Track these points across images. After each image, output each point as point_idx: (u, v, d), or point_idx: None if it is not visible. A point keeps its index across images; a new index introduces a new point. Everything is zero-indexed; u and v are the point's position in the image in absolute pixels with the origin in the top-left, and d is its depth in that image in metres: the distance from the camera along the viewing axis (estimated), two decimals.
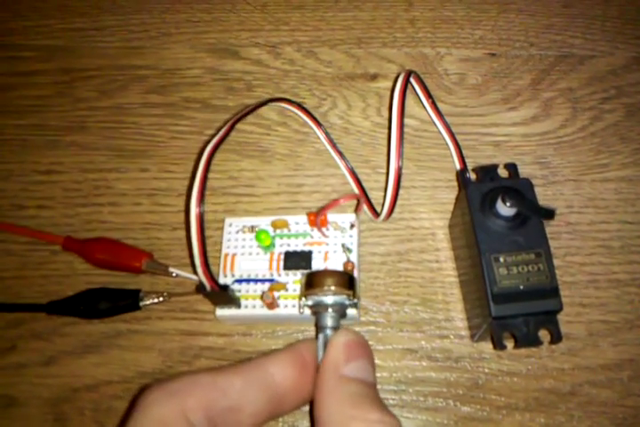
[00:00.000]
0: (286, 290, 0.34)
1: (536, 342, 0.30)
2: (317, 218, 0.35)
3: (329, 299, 0.30)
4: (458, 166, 0.36)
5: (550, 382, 0.34)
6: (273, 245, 0.35)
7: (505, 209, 0.31)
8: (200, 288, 0.31)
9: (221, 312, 0.34)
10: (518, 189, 0.32)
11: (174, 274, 0.36)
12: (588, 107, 0.43)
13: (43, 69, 0.46)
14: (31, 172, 0.41)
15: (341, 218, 0.36)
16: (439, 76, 0.44)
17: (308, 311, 0.31)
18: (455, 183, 0.40)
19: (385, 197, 0.34)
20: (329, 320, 0.29)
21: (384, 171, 0.40)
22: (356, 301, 0.30)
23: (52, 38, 0.47)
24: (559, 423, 0.33)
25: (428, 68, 0.45)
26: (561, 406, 0.33)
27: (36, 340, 0.36)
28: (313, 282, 0.30)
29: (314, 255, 0.35)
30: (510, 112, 0.43)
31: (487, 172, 0.34)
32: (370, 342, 0.35)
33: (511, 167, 0.34)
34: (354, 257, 0.35)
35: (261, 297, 0.33)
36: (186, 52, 0.46)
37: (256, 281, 0.35)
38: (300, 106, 0.41)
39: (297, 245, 0.35)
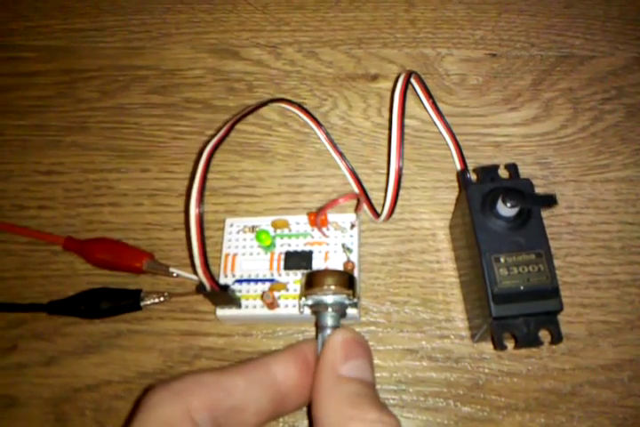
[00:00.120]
0: (287, 290, 0.34)
1: (536, 342, 0.30)
2: (317, 218, 0.35)
3: (329, 298, 0.30)
4: (458, 167, 0.36)
5: (551, 382, 0.34)
6: (273, 245, 0.35)
7: (505, 210, 0.31)
8: (200, 288, 0.31)
9: (222, 312, 0.34)
10: (519, 189, 0.32)
11: (175, 274, 0.36)
12: (588, 107, 0.43)
13: (43, 70, 0.46)
14: (32, 172, 0.41)
15: (342, 218, 0.36)
16: (440, 76, 0.44)
17: (308, 311, 0.31)
18: (456, 184, 0.40)
19: (385, 197, 0.34)
20: (329, 320, 0.29)
21: (385, 171, 0.40)
22: (355, 300, 0.30)
23: (53, 39, 0.47)
24: (559, 424, 0.33)
25: (429, 68, 0.45)
26: (561, 406, 0.33)
27: (37, 340, 0.36)
28: (313, 281, 0.30)
29: (314, 255, 0.35)
30: (511, 113, 0.43)
31: (488, 172, 0.34)
32: (370, 343, 0.35)
33: (512, 168, 0.34)
34: (354, 257, 0.35)
35: (262, 297, 0.33)
36: (187, 52, 0.46)
37: (256, 281, 0.35)
38: (300, 106, 0.41)
39: (297, 245, 0.36)
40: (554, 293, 0.30)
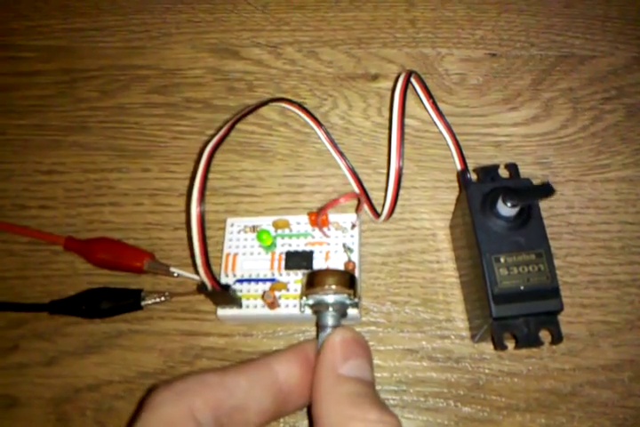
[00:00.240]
0: (287, 290, 0.34)
1: (537, 342, 0.30)
2: (318, 218, 0.35)
3: (330, 298, 0.30)
4: (459, 167, 0.36)
5: (551, 382, 0.34)
6: (274, 245, 0.35)
7: (506, 209, 0.31)
8: (202, 288, 0.31)
9: (223, 312, 0.34)
10: (519, 189, 0.32)
11: (175, 274, 0.36)
12: (588, 107, 0.43)
13: (44, 70, 0.46)
14: (33, 172, 0.41)
15: (342, 218, 0.36)
16: (440, 76, 0.44)
17: (308, 311, 0.31)
18: (456, 184, 0.40)
19: (385, 197, 0.34)
20: (329, 319, 0.29)
21: (385, 171, 0.40)
22: (356, 300, 0.30)
23: (54, 38, 0.47)
24: (560, 424, 0.33)
25: (429, 68, 0.45)
26: (562, 406, 0.33)
27: (38, 340, 0.36)
28: (314, 281, 0.30)
29: (315, 255, 0.35)
30: (511, 112, 0.43)
31: (488, 172, 0.34)
32: (371, 343, 0.35)
33: (512, 168, 0.34)
34: (355, 257, 0.35)
35: (262, 296, 0.33)
36: (187, 52, 0.46)
37: (257, 281, 0.35)
38: (300, 106, 0.41)
39: (298, 246, 0.36)
40: (554, 293, 0.30)
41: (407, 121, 0.42)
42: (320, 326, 0.29)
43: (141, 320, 0.36)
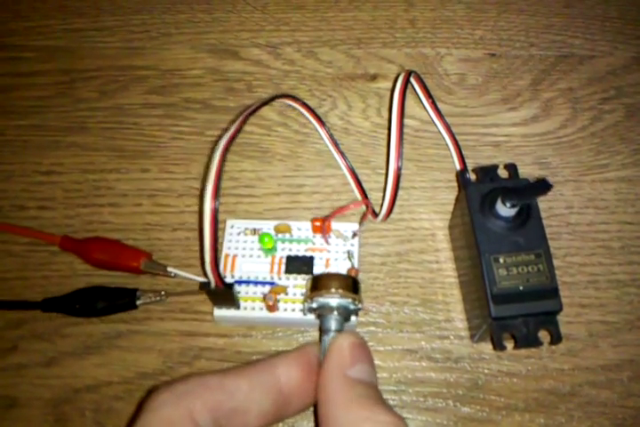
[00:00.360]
0: (286, 294, 0.34)
1: (536, 342, 0.30)
2: (325, 223, 0.35)
3: (334, 301, 0.30)
4: (458, 167, 0.36)
5: (550, 382, 0.34)
6: (275, 248, 0.35)
7: (505, 210, 0.31)
8: (204, 286, 0.31)
9: (219, 313, 0.34)
10: (518, 189, 0.32)
11: (173, 274, 0.36)
12: (587, 107, 0.43)
13: (43, 70, 0.46)
14: (32, 172, 0.41)
15: (344, 226, 0.36)
16: (439, 76, 0.44)
17: (309, 315, 0.31)
18: (455, 184, 0.40)
19: (384, 197, 0.34)
20: (333, 323, 0.29)
21: (384, 171, 0.40)
22: (360, 306, 0.30)
23: (53, 39, 0.47)
24: (559, 424, 0.33)
25: (428, 68, 0.45)
26: (561, 406, 0.33)
27: (37, 340, 0.36)
28: (320, 284, 0.30)
29: (315, 262, 0.35)
30: (510, 112, 0.43)
31: (487, 172, 0.34)
32: (370, 343, 0.35)
33: (511, 168, 0.34)
34: (355, 266, 0.35)
35: (264, 299, 0.33)
36: (186, 52, 0.46)
37: (256, 283, 0.35)
38: (305, 104, 0.40)
39: (298, 251, 0.36)
40: (553, 293, 0.30)
41: (406, 121, 0.42)
42: (323, 330, 0.29)
43: (140, 321, 0.36)
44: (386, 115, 0.43)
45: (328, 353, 0.26)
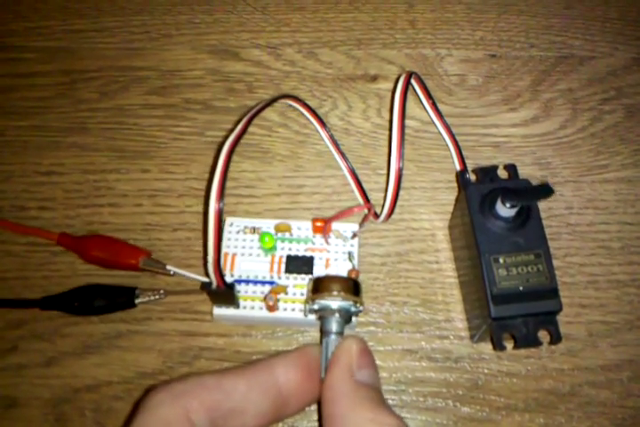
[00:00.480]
0: (286, 293, 0.34)
1: (535, 342, 0.30)
2: (327, 224, 0.35)
3: (336, 304, 0.30)
4: (458, 167, 0.36)
5: (550, 382, 0.34)
6: (275, 247, 0.35)
7: (504, 210, 0.31)
8: (206, 285, 0.31)
9: (219, 311, 0.34)
10: (518, 190, 0.32)
11: (172, 272, 0.36)
12: (587, 108, 0.43)
13: (43, 71, 0.46)
14: (32, 173, 0.41)
15: (343, 227, 0.36)
16: (439, 77, 0.44)
17: (310, 316, 0.31)
18: (455, 184, 0.40)
19: (385, 197, 0.34)
20: (334, 325, 0.29)
21: (384, 172, 0.40)
22: (361, 308, 0.30)
23: (53, 40, 0.47)
24: (558, 424, 0.33)
25: (429, 69, 0.45)
26: (560, 406, 0.33)
27: (37, 340, 0.36)
28: (321, 286, 0.30)
29: (315, 262, 0.35)
30: (510, 113, 0.43)
31: (487, 173, 0.34)
32: (370, 343, 0.35)
33: (511, 168, 0.34)
34: (355, 266, 0.35)
35: (264, 298, 0.33)
36: (187, 53, 0.46)
37: (256, 282, 0.35)
38: (307, 106, 0.40)
39: (298, 250, 0.36)
40: (553, 293, 0.30)
41: (406, 122, 0.41)
42: (324, 332, 0.29)
43: (140, 321, 0.36)
44: (386, 115, 0.43)
45: (337, 355, 0.26)
